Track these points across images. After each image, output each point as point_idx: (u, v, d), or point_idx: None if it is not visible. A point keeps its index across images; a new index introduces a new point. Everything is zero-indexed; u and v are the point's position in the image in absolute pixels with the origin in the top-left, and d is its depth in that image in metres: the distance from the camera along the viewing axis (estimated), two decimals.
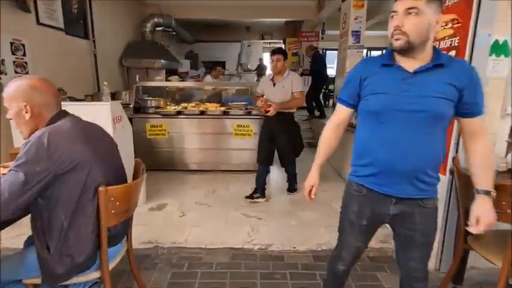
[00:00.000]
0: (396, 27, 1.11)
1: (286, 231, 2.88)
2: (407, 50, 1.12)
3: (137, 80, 4.45)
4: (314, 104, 7.01)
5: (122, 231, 1.59)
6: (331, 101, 9.76)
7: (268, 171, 3.64)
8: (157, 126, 4.49)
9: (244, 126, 4.46)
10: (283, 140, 3.47)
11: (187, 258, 2.43)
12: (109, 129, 2.97)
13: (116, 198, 1.40)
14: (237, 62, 10.37)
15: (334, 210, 3.30)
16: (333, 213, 3.19)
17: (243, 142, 4.54)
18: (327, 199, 3.57)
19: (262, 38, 11.44)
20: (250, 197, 3.54)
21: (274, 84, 3.42)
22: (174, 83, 4.72)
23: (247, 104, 4.89)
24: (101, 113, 3.00)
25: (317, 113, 7.07)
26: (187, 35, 9.28)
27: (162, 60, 5.79)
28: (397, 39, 1.12)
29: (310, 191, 1.53)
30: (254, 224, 3.02)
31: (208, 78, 6.80)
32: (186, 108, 4.66)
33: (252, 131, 4.46)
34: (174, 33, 7.59)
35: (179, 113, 4.43)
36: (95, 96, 4.06)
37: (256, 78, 9.34)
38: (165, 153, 4.58)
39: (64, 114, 1.40)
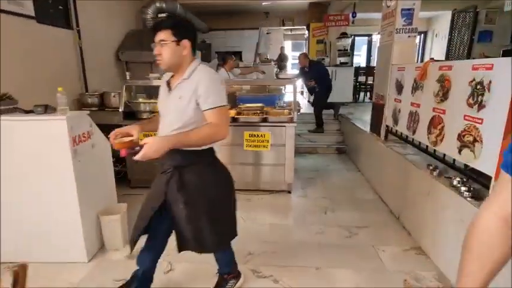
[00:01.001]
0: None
1: None
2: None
3: (128, 77, 3.61)
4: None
5: None
6: (362, 94, 8.57)
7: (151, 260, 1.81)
8: (151, 135, 3.62)
9: (258, 136, 3.51)
10: (185, 217, 1.62)
11: None
12: (65, 153, 2.13)
13: None
14: (254, 52, 9.34)
15: None
16: None
17: (256, 155, 3.60)
18: None
19: (283, 24, 10.28)
20: None
21: (169, 90, 1.62)
22: None
23: (262, 106, 3.93)
24: (54, 131, 2.16)
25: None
26: (199, 23, 8.34)
27: None
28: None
29: None
30: None
31: (222, 72, 5.81)
32: None
33: (268, 141, 3.51)
34: None
35: None
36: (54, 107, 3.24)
37: (276, 70, 8.31)
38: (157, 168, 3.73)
39: None
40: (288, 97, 6.18)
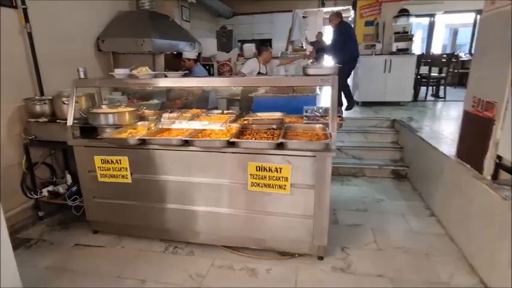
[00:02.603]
0: None
1: None
2: None
3: (80, 74, 2.42)
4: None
5: None
6: (423, 90, 6.72)
7: None
8: (112, 162, 2.43)
9: (271, 170, 2.13)
10: None
11: None
12: None
13: None
14: (286, 39, 7.83)
15: None
16: None
17: (267, 199, 2.23)
18: None
19: (323, 5, 8.59)
20: None
21: None
22: (143, 79, 2.43)
23: (283, 117, 2.54)
24: None
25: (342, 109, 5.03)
26: (222, 7, 7.04)
27: (155, 40, 3.67)
28: None
29: None
30: None
31: (251, 61, 4.45)
32: (168, 129, 2.50)
33: (287, 180, 2.12)
34: (195, 1, 5.43)
35: (143, 142, 2.27)
36: None
37: (311, 61, 6.76)
38: (131, 210, 2.53)
39: None
40: (323, 99, 4.73)
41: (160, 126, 2.52)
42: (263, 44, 4.93)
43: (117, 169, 2.45)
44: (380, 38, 6.19)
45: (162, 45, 3.94)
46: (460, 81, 8.50)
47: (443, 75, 6.64)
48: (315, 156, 2.04)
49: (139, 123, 2.66)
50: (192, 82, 2.32)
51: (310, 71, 2.13)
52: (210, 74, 5.58)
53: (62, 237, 2.73)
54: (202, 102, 4.39)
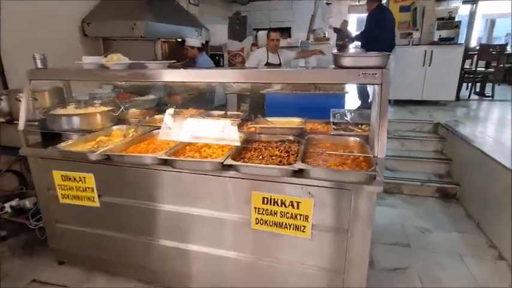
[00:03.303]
0: None
1: None
2: None
3: (37, 63, 1.82)
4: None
5: None
6: (466, 88, 5.82)
7: None
8: (75, 179, 1.83)
9: (284, 204, 1.46)
10: None
11: None
12: None
13: None
14: (308, 28, 7.03)
15: None
16: None
17: (283, 244, 1.57)
18: None
19: None
20: None
21: None
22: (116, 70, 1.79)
23: (302, 124, 1.86)
24: None
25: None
26: None
27: (149, 23, 3.04)
28: None
29: None
30: None
31: (259, 51, 3.88)
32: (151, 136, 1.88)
33: (308, 219, 1.45)
34: None
35: (108, 158, 1.64)
36: None
37: (335, 50, 6.00)
38: (101, 241, 1.95)
39: None
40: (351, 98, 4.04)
41: (140, 133, 1.91)
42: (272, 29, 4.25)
43: (81, 189, 1.85)
44: (418, 25, 5.30)
45: (158, 30, 3.31)
46: (505, 77, 7.43)
47: (491, 70, 5.70)
48: (349, 190, 1.36)
49: (115, 127, 2.06)
50: (177, 76, 1.68)
51: (347, 62, 1.42)
52: (220, 65, 4.92)
53: (21, 267, 2.18)
54: (207, 98, 3.77)
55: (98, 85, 3.30)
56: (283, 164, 1.46)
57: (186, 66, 4.27)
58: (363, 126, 1.91)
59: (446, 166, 3.32)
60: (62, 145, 1.71)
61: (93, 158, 1.63)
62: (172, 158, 1.51)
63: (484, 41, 10.83)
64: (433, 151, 3.56)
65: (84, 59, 1.95)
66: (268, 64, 3.70)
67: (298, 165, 1.35)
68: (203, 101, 3.45)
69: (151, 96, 3.31)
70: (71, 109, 2.04)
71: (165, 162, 1.55)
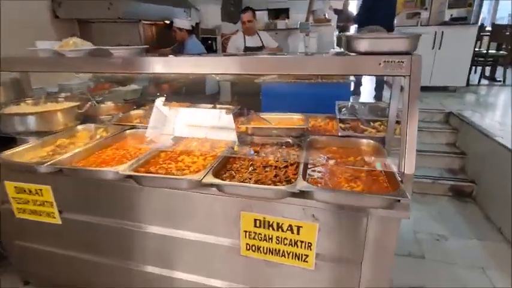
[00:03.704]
0: None
1: None
2: None
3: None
4: None
5: None
6: (476, 72, 5.46)
7: None
8: (31, 192, 1.52)
9: (280, 228, 1.16)
10: None
11: None
12: None
13: None
14: (307, 9, 6.57)
15: None
16: None
17: (280, 274, 1.28)
18: None
19: None
20: None
21: None
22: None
23: (303, 121, 1.54)
24: None
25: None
26: None
27: (128, 1, 2.65)
28: None
29: None
30: None
31: (237, 40, 3.58)
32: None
33: (311, 247, 1.15)
34: None
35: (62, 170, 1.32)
36: None
37: (337, 32, 5.60)
38: (65, 263, 1.66)
39: None
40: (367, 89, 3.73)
41: (109, 135, 1.58)
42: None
43: (38, 203, 1.54)
44: (427, 3, 4.87)
45: (140, 11, 2.92)
46: None
47: (503, 52, 5.32)
48: (366, 213, 1.05)
49: (80, 127, 1.73)
50: (149, 66, 1.33)
51: (363, 45, 1.08)
52: (212, 50, 4.53)
53: None
54: (197, 87, 3.42)
55: (71, 74, 2.94)
56: (280, 179, 1.15)
57: (174, 51, 3.89)
58: (376, 124, 1.59)
59: (460, 161, 3.02)
60: (6, 153, 1.38)
61: (41, 171, 1.30)
62: (137, 174, 1.19)
63: (488, 22, 10.35)
64: (445, 144, 3.25)
65: (38, 44, 1.59)
66: (247, 49, 3.38)
67: (299, 185, 1.04)
68: (193, 90, 3.11)
69: (133, 86, 2.96)
70: (25, 106, 1.70)
71: (129, 177, 1.23)
